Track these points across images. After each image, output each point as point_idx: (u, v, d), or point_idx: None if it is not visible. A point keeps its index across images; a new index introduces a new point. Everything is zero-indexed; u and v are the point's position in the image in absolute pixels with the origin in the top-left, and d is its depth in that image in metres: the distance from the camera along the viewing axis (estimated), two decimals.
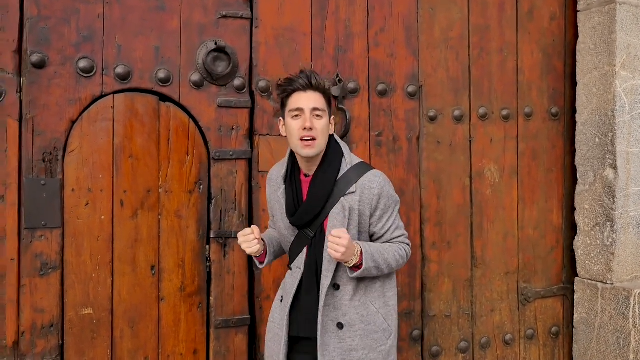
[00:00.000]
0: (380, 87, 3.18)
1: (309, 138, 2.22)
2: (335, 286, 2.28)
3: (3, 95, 2.51)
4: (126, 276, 2.70)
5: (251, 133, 2.95)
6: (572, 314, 3.55)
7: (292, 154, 2.40)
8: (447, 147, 3.32)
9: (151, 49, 2.76)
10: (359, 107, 3.14)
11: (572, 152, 3.55)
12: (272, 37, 2.99)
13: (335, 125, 3.03)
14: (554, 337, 3.58)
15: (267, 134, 2.98)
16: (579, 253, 3.50)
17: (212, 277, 2.85)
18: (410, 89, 3.23)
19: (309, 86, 2.25)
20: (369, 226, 2.32)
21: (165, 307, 2.78)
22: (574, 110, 3.54)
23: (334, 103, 3.07)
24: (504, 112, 3.43)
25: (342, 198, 2.25)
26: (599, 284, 3.34)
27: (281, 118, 2.37)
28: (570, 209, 3.58)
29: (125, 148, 2.70)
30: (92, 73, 2.65)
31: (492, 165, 3.42)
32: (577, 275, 3.52)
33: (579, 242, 3.50)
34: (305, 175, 2.35)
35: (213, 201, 2.86)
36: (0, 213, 2.50)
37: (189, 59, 2.82)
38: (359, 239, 2.29)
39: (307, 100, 2.24)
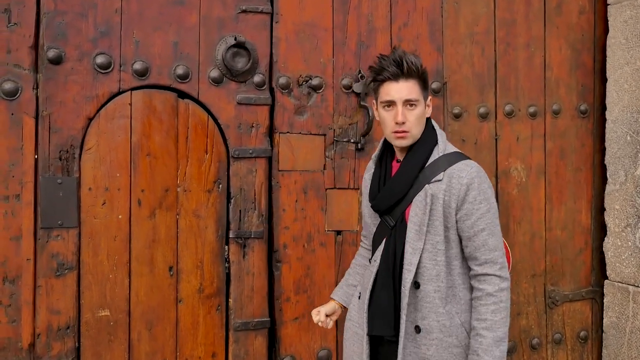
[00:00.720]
0: None
1: (401, 131, 2.07)
2: (415, 284, 2.06)
3: (19, 91, 2.45)
4: (144, 277, 2.64)
5: (271, 131, 2.88)
6: (602, 318, 3.43)
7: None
8: (473, 146, 3.22)
9: (169, 45, 2.69)
10: None
11: (602, 150, 3.44)
12: (292, 32, 2.92)
13: (357, 122, 3.01)
14: (582, 341, 3.46)
15: (288, 132, 2.90)
16: (608, 255, 3.38)
17: (231, 279, 2.78)
18: (434, 85, 3.14)
19: (400, 75, 2.05)
20: (456, 222, 2.06)
21: (184, 309, 2.71)
22: (603, 107, 3.42)
23: (355, 100, 2.99)
24: (531, 109, 3.33)
25: (427, 185, 2.06)
26: (630, 287, 3.22)
27: (374, 100, 2.21)
28: (599, 209, 3.45)
29: (143, 146, 2.64)
30: (110, 69, 2.59)
31: (518, 164, 3.32)
32: (606, 278, 3.41)
33: (608, 244, 3.38)
34: (397, 161, 2.19)
35: (232, 200, 2.79)
36: (15, 212, 2.45)
37: (208, 55, 2.76)
38: (445, 237, 2.06)
39: (398, 91, 2.06)
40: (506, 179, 3.29)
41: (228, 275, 2.79)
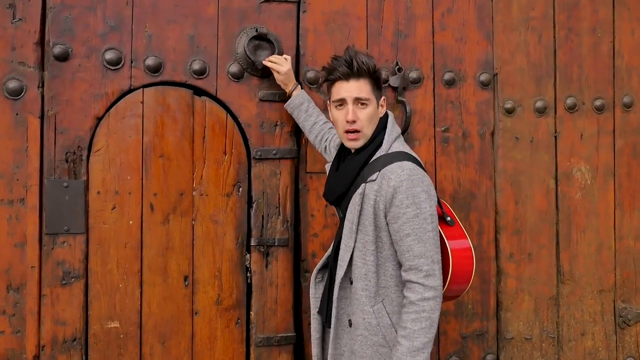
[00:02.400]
0: (447, 75, 2.79)
1: (352, 130, 2.09)
2: (350, 280, 2.10)
3: (24, 90, 2.34)
4: (156, 287, 2.47)
5: (298, 129, 2.65)
6: None
7: None
8: (528, 144, 2.87)
9: (185, 38, 2.52)
10: (422, 99, 2.77)
11: None
12: (321, 22, 2.68)
13: (395, 117, 2.73)
14: None
15: None
16: None
17: (252, 290, 2.58)
18: (483, 77, 2.82)
19: (350, 74, 2.08)
20: (387, 225, 2.04)
21: (200, 322, 2.52)
22: None
23: (392, 95, 2.72)
24: (597, 103, 2.94)
25: (363, 184, 2.07)
26: None
27: (328, 102, 2.22)
28: None
29: (156, 147, 2.47)
30: (120, 65, 2.44)
31: (582, 164, 2.94)
32: None
33: None
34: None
35: (254, 205, 2.57)
36: (20, 217, 2.33)
37: (227, 48, 2.56)
38: (376, 237, 2.05)
39: (348, 90, 2.08)
40: (567, 181, 2.92)
41: (249, 286, 2.58)
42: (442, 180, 2.78)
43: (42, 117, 2.37)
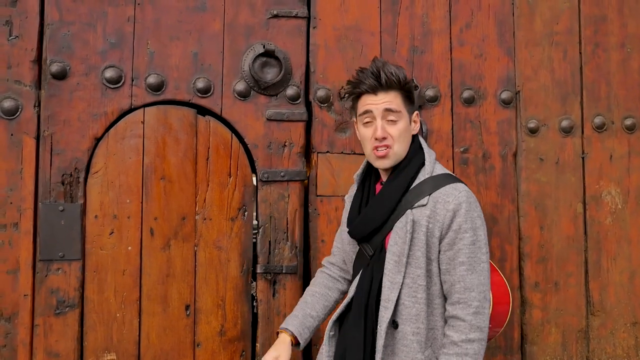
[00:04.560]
0: (466, 93, 2.64)
1: (383, 148, 1.87)
2: (394, 323, 1.82)
3: (19, 110, 2.25)
4: (156, 317, 2.34)
5: (307, 150, 2.53)
6: None
7: None
8: (553, 166, 2.70)
9: (189, 55, 2.41)
10: (439, 118, 2.62)
11: None
12: (333, 38, 2.56)
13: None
14: None
15: (328, 152, 2.54)
16: None
17: (258, 320, 2.44)
18: (504, 95, 2.67)
19: (378, 87, 1.87)
20: (439, 253, 1.82)
21: (202, 354, 2.38)
22: None
23: None
24: (628, 122, 2.76)
25: (409, 210, 1.83)
26: None
27: (355, 119, 2.01)
28: None
29: (157, 169, 2.36)
30: (120, 84, 2.35)
31: (612, 187, 2.75)
32: None
33: None
34: (381, 183, 1.98)
35: (260, 230, 2.44)
36: (13, 242, 2.23)
37: (232, 66, 2.45)
38: (427, 271, 1.81)
39: (376, 103, 1.88)
40: (596, 205, 2.73)
41: (255, 315, 2.44)
42: None
43: (37, 138, 2.28)
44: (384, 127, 1.86)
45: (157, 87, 2.37)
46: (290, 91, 2.50)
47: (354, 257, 2.01)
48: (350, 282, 2.14)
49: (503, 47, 2.70)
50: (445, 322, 1.82)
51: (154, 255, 2.35)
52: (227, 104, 2.44)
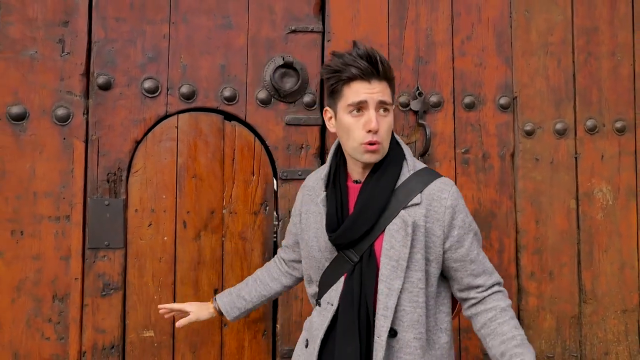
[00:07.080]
0: (467, 99, 2.90)
1: (374, 142, 1.72)
2: (391, 332, 1.72)
3: (70, 117, 2.56)
4: (188, 299, 2.63)
5: (322, 152, 2.80)
6: None
7: (337, 153, 1.92)
8: (548, 165, 2.95)
9: (217, 67, 2.71)
10: (442, 122, 2.88)
11: None
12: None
13: (415, 142, 2.85)
14: None
15: None
16: None
17: (278, 303, 2.72)
18: (503, 100, 2.92)
19: (374, 73, 1.70)
20: (443, 253, 1.77)
21: (229, 333, 2.67)
22: None
23: (413, 118, 2.85)
24: (618, 124, 3.00)
25: (403, 211, 1.73)
26: None
27: (328, 108, 1.86)
28: None
29: (189, 168, 2.66)
30: (157, 93, 2.65)
31: (603, 185, 2.99)
32: None
33: None
34: (355, 182, 1.85)
35: (280, 223, 2.73)
36: (65, 232, 2.54)
37: (255, 76, 2.74)
38: (426, 271, 1.75)
39: (371, 92, 1.70)
40: (589, 201, 2.97)
41: (275, 299, 2.72)
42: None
43: (86, 141, 2.58)
44: (378, 119, 1.71)
45: (189, 96, 2.68)
46: (306, 98, 2.78)
47: (326, 264, 1.87)
48: (298, 280, 2.22)
49: (501, 56, 2.95)
50: (437, 321, 1.81)
51: (186, 245, 2.65)
52: (250, 110, 2.73)
